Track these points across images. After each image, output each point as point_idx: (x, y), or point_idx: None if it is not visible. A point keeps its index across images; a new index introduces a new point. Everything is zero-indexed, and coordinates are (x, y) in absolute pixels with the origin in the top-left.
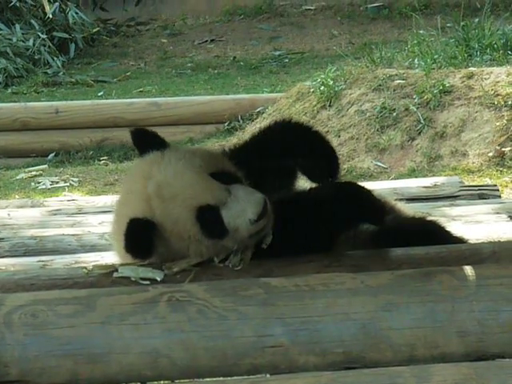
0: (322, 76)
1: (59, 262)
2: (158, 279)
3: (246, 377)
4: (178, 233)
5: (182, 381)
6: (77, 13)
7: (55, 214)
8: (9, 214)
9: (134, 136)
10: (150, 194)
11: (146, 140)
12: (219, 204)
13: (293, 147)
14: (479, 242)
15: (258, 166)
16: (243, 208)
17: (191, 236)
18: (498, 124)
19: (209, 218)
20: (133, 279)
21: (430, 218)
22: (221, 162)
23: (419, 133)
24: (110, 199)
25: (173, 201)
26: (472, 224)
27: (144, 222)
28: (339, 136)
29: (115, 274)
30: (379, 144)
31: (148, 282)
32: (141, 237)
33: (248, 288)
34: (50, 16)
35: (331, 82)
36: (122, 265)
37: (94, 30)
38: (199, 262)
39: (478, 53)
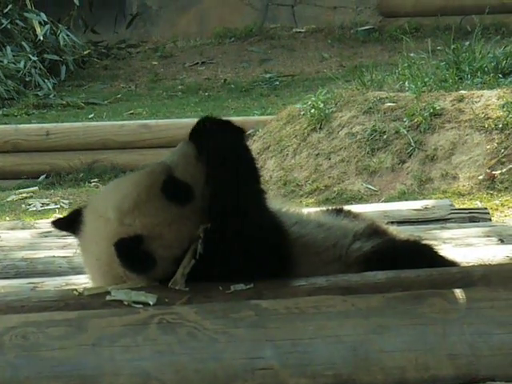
0: (313, 99)
1: (50, 283)
2: (151, 303)
3: None
4: (164, 220)
5: None
6: (68, 35)
7: (46, 236)
8: None
9: (62, 225)
10: (115, 218)
11: (73, 221)
12: (167, 171)
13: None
14: (470, 265)
15: None
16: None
17: (171, 211)
18: (488, 147)
19: (172, 189)
20: (125, 303)
21: (423, 241)
22: None
23: (410, 156)
24: None
25: (138, 202)
26: (463, 247)
27: (129, 238)
28: (330, 158)
29: (108, 297)
30: (370, 167)
31: (141, 306)
32: (134, 250)
33: (238, 310)
34: (41, 38)
35: (322, 105)
36: (114, 288)
37: (85, 53)
38: (192, 257)
39: (469, 76)
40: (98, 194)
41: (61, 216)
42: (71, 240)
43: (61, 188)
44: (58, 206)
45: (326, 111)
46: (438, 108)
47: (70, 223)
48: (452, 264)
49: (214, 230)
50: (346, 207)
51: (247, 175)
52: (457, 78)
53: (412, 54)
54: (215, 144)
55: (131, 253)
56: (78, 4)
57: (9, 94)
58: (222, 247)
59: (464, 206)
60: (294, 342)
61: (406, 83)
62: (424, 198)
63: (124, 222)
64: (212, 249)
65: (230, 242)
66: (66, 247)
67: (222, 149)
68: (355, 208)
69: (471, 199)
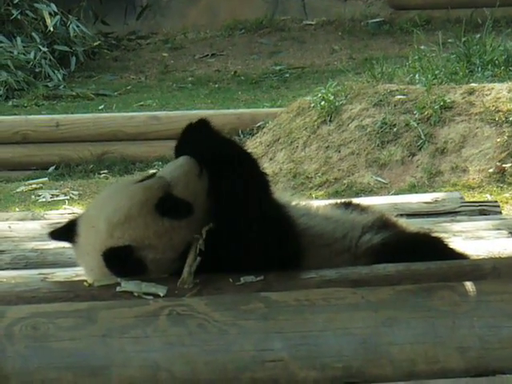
0: (323, 91)
1: (60, 274)
2: (161, 294)
3: None
4: (154, 232)
5: None
6: (78, 26)
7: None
8: (9, 227)
9: (59, 235)
10: (105, 229)
11: (69, 231)
12: (165, 188)
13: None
14: (480, 257)
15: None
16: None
17: (163, 224)
18: (498, 140)
19: (168, 207)
20: (135, 294)
21: (433, 234)
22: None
23: (420, 148)
24: None
25: (129, 215)
26: (473, 240)
27: (117, 248)
28: (339, 151)
29: (118, 289)
30: (379, 159)
31: (151, 297)
32: (122, 259)
33: (248, 302)
34: (51, 29)
35: (332, 97)
36: (124, 279)
37: (95, 44)
38: (195, 255)
39: (480, 69)
40: (93, 203)
41: (57, 227)
42: None
43: (70, 179)
44: (68, 197)
45: (336, 104)
46: (448, 101)
47: (66, 233)
48: (462, 257)
49: (218, 226)
50: (356, 200)
51: (248, 169)
52: (467, 71)
53: (422, 47)
54: (208, 148)
55: (120, 262)
56: None
57: (19, 84)
58: (228, 239)
59: (474, 199)
60: (303, 334)
61: (417, 76)
62: (434, 191)
63: (113, 235)
64: (217, 242)
65: (234, 235)
66: None
67: (215, 150)
68: (365, 201)
69: (481, 192)
